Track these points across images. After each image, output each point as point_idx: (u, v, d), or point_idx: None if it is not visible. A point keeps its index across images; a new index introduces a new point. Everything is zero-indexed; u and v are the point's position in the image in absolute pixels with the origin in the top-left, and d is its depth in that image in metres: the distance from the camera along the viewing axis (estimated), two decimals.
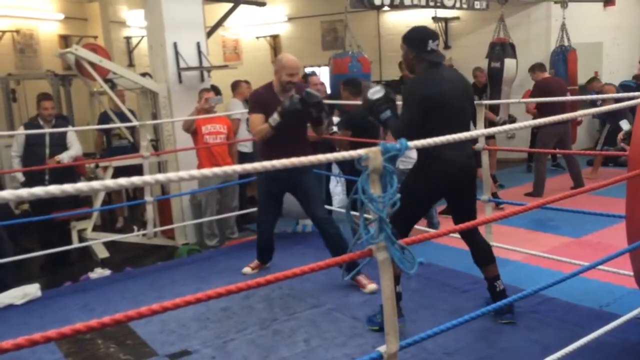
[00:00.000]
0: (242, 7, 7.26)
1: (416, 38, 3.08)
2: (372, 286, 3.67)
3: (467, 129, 3.01)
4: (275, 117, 3.69)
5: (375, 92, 3.09)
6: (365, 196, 1.59)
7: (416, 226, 4.10)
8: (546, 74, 7.07)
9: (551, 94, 6.25)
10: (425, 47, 3.03)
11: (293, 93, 3.77)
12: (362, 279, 3.74)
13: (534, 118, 6.77)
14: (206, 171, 1.48)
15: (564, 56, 8.39)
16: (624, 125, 6.76)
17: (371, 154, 1.59)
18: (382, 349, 1.64)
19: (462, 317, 1.94)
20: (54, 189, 1.25)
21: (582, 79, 8.60)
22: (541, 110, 6.67)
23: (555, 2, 8.66)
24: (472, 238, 3.23)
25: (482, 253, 3.23)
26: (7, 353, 1.21)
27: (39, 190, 1.25)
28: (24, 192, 1.24)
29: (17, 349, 1.21)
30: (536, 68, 7.06)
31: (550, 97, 5.68)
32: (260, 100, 3.87)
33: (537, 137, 7.11)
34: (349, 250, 1.72)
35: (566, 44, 8.58)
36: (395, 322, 1.64)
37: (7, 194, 1.21)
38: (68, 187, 1.26)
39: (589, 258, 3.08)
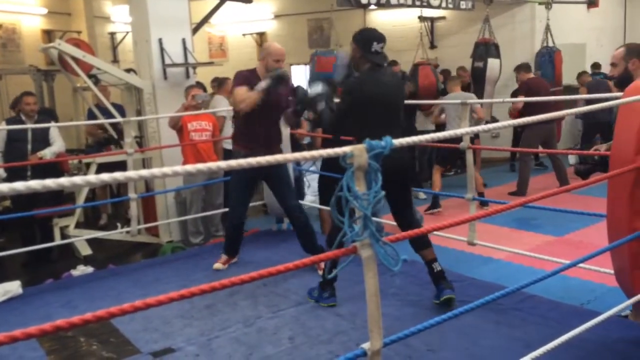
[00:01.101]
0: (229, 4, 7.21)
1: (363, 38, 3.33)
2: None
3: (399, 127, 3.39)
4: (263, 83, 3.76)
5: (316, 88, 3.45)
6: (350, 194, 1.59)
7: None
8: (531, 75, 7.15)
9: (536, 95, 6.34)
10: (370, 48, 3.28)
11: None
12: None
13: (523, 115, 6.84)
14: (190, 167, 1.47)
15: (550, 57, 8.49)
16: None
17: (356, 152, 1.59)
18: (366, 345, 1.65)
19: (446, 314, 1.96)
20: (35, 184, 1.24)
21: (566, 80, 8.70)
22: (526, 110, 6.75)
23: (540, 4, 8.76)
24: (409, 225, 3.40)
25: (418, 239, 3.38)
26: None
27: (19, 185, 1.23)
28: (4, 186, 1.22)
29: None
30: (521, 69, 7.15)
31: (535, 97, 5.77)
32: (246, 77, 3.92)
33: (521, 137, 7.19)
34: (333, 247, 1.72)
35: (551, 44, 8.67)
36: (379, 319, 1.64)
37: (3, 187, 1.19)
38: (50, 182, 1.26)
39: (570, 256, 3.11)
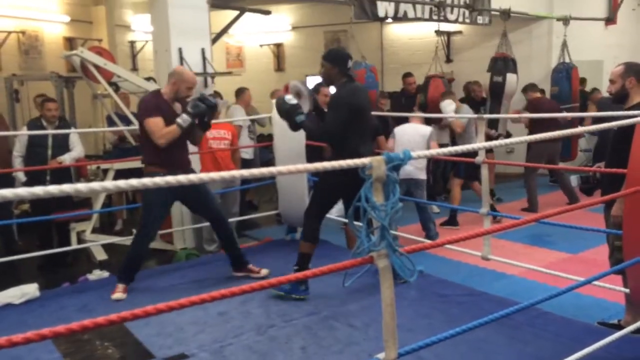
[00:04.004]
0: (247, 15, 7.32)
1: (340, 57, 3.76)
2: (264, 271, 4.22)
3: (371, 134, 4.05)
4: (185, 118, 3.78)
5: (291, 99, 3.65)
6: (368, 204, 1.62)
7: (413, 237, 4.15)
8: (538, 94, 7.22)
9: (543, 113, 6.45)
10: (347, 64, 3.73)
11: (192, 98, 3.92)
12: (252, 267, 4.23)
13: (530, 133, 6.88)
14: (204, 175, 1.50)
15: (567, 73, 8.46)
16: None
17: (375, 163, 1.63)
18: (380, 356, 1.67)
19: (460, 327, 1.97)
20: (52, 188, 1.27)
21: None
22: (533, 128, 6.84)
23: (557, 20, 8.75)
24: None
25: None
26: (3, 350, 1.22)
27: (38, 190, 1.26)
28: (23, 190, 1.25)
29: (10, 346, 1.22)
30: (528, 88, 7.24)
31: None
32: (156, 105, 3.88)
33: (527, 154, 7.25)
34: (351, 256, 1.75)
35: (567, 61, 8.66)
36: (394, 329, 1.66)
37: (7, 192, 1.22)
38: (67, 187, 1.28)
39: (584, 274, 3.11)
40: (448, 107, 6.35)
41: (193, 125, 3.85)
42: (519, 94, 8.19)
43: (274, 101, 4.09)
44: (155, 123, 3.81)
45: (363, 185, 3.81)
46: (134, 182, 1.39)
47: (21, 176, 5.16)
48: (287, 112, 3.63)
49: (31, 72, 8.07)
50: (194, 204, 4.21)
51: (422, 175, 5.46)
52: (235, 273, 4.24)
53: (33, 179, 4.98)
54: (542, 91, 7.91)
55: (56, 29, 8.70)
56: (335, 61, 3.73)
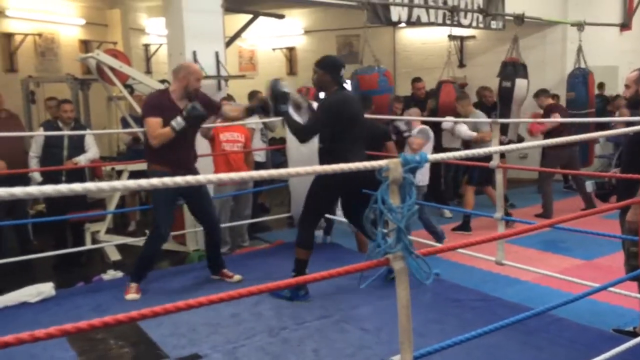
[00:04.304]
0: (260, 19, 7.36)
1: (334, 64, 3.82)
2: (237, 277, 4.23)
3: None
4: (179, 121, 3.77)
5: (285, 85, 3.78)
6: (385, 206, 1.63)
7: (425, 241, 4.14)
8: (550, 100, 7.18)
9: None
10: (339, 72, 3.78)
11: (192, 100, 3.90)
12: (226, 272, 4.26)
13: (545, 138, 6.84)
14: (221, 176, 1.51)
15: (584, 79, 8.40)
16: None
17: (392, 165, 1.63)
18: (396, 358, 1.66)
19: (475, 331, 1.96)
20: (63, 187, 1.27)
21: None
22: (548, 133, 6.81)
23: (572, 25, 8.70)
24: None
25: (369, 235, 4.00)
26: (18, 347, 1.24)
27: (48, 189, 1.26)
28: (34, 189, 1.26)
29: (19, 344, 1.23)
30: (540, 94, 7.20)
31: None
32: (157, 105, 3.88)
33: (542, 160, 7.20)
34: (366, 258, 1.75)
35: (583, 66, 8.60)
36: (410, 332, 1.66)
37: (18, 190, 1.23)
38: (76, 187, 1.29)
39: (600, 281, 3.08)
40: (464, 132, 6.26)
41: (189, 128, 3.84)
42: (530, 99, 8.17)
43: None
44: (152, 123, 3.82)
45: (357, 189, 3.80)
46: (143, 182, 1.40)
47: (37, 176, 5.21)
48: (275, 95, 3.73)
49: (47, 74, 8.16)
50: (193, 205, 4.24)
51: (423, 182, 5.59)
52: (213, 276, 4.31)
53: (49, 180, 5.03)
54: (556, 97, 7.87)
55: (72, 32, 8.80)
56: (328, 68, 3.79)
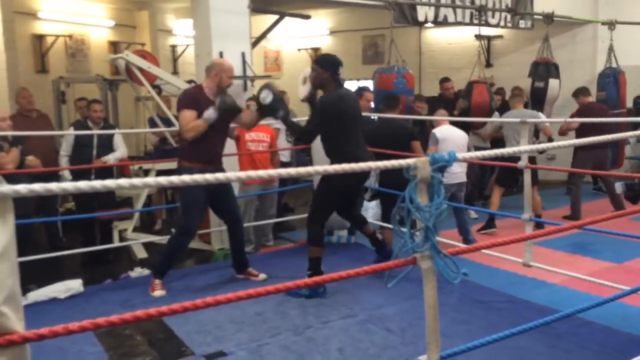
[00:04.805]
0: (286, 19, 7.38)
1: (332, 63, 3.90)
2: (262, 275, 4.30)
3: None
4: (211, 113, 3.83)
5: (266, 98, 3.83)
6: (413, 205, 1.62)
7: (451, 241, 4.10)
8: (590, 99, 7.03)
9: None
10: (337, 71, 3.85)
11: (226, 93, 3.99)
12: (251, 270, 4.33)
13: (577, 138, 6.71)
14: (242, 174, 1.52)
15: (615, 78, 8.22)
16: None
17: (419, 164, 1.62)
18: (422, 358, 1.65)
19: (503, 333, 1.94)
20: (96, 184, 1.30)
21: (628, 102, 8.43)
22: (580, 133, 6.66)
23: (603, 24, 8.53)
24: (363, 221, 4.32)
25: (358, 221, 4.31)
26: (48, 341, 1.27)
27: (82, 184, 1.29)
28: (69, 185, 1.30)
29: (54, 336, 1.27)
30: (580, 92, 7.04)
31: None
32: (194, 99, 3.96)
33: (572, 160, 7.05)
34: (393, 258, 1.75)
35: (614, 65, 8.42)
36: (437, 331, 1.65)
37: (54, 186, 1.25)
38: (110, 183, 1.32)
39: (630, 284, 3.01)
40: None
41: (221, 120, 3.92)
42: (563, 100, 8.02)
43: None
44: (186, 115, 3.88)
45: (359, 185, 4.02)
46: (174, 179, 1.43)
47: (67, 175, 5.31)
48: (265, 110, 3.94)
49: (77, 75, 8.32)
50: (219, 203, 4.27)
51: (461, 178, 5.51)
52: (238, 275, 4.37)
53: (78, 178, 5.12)
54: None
55: (101, 33, 8.95)
56: (327, 66, 3.86)
